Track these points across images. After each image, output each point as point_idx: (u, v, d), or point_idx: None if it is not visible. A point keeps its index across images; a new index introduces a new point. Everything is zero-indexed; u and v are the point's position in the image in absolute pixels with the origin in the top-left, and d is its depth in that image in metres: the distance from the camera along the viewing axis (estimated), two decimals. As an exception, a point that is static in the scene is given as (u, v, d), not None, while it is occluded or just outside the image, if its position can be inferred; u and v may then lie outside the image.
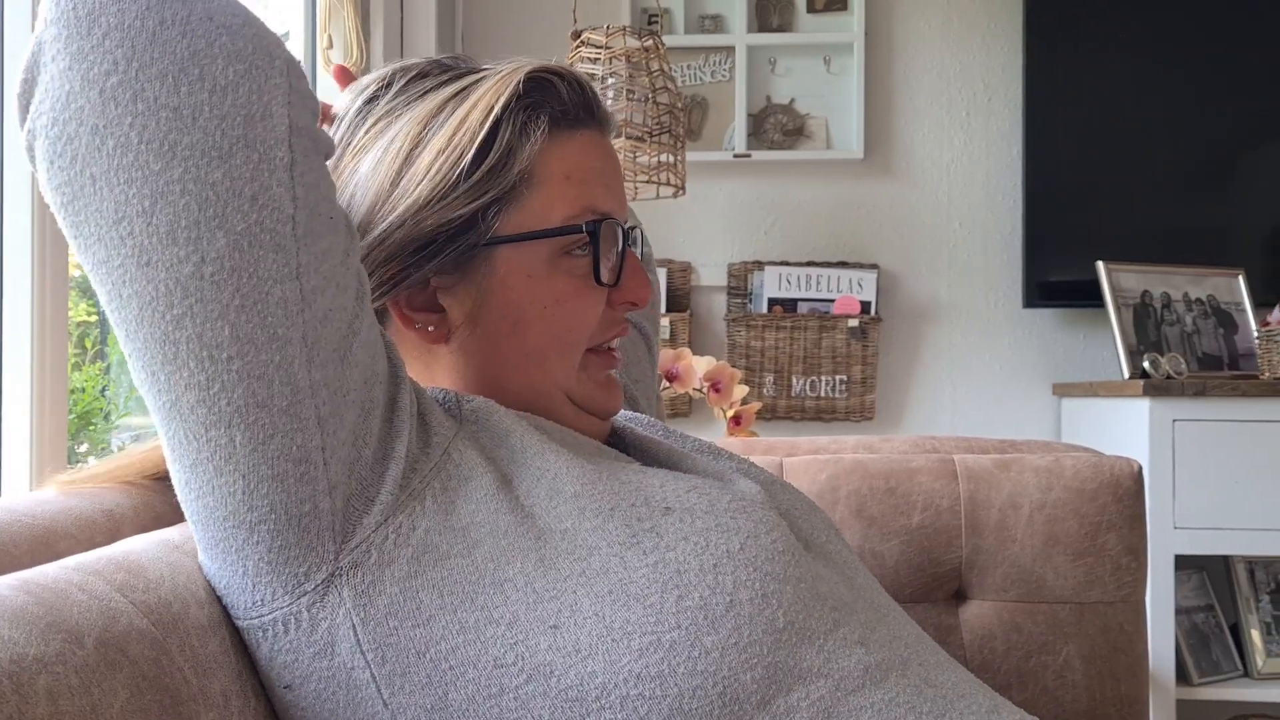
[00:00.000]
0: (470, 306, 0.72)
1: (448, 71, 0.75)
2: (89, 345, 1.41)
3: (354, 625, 0.59)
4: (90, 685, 0.47)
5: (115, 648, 0.50)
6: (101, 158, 0.54)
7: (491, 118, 0.70)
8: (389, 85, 0.75)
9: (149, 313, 0.55)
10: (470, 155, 0.69)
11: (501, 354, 0.73)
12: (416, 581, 0.60)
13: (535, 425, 0.70)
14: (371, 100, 0.75)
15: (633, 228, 0.80)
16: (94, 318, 1.43)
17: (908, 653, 0.65)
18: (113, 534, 0.71)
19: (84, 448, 1.40)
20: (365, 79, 0.77)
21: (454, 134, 0.70)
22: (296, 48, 2.01)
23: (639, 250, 0.85)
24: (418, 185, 0.70)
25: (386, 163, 0.71)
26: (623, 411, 0.87)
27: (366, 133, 0.73)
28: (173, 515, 0.79)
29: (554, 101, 0.72)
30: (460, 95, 0.72)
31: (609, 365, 0.78)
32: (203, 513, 0.59)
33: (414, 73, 0.75)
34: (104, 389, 1.40)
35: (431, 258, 0.70)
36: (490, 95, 0.71)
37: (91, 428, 1.39)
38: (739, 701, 0.59)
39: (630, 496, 0.64)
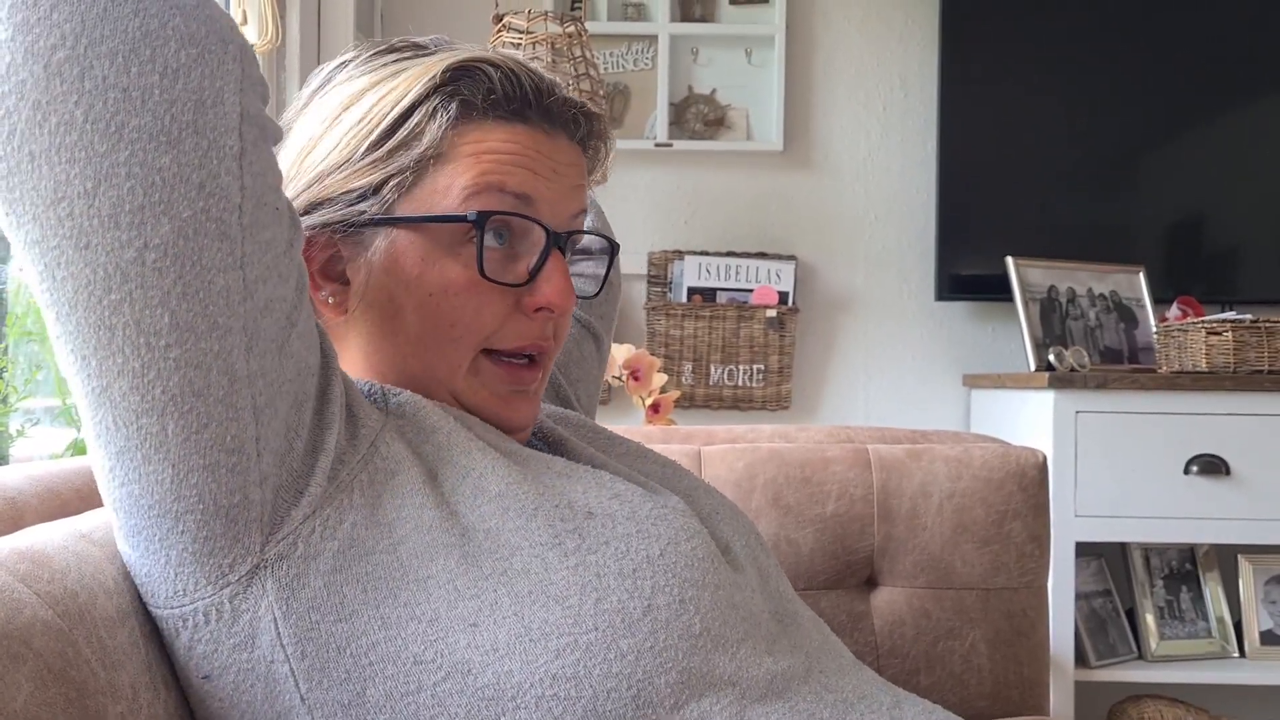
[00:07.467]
0: (362, 282, 0.72)
1: (413, 50, 0.75)
2: (-14, 325, 1.36)
3: (275, 618, 0.58)
4: (-8, 679, 0.46)
5: (19, 640, 0.49)
6: (43, 135, 0.52)
7: (407, 100, 0.70)
8: (351, 60, 0.76)
9: (84, 296, 0.53)
10: (379, 131, 0.70)
11: (382, 336, 0.72)
12: (340, 576, 0.59)
13: (462, 422, 0.69)
14: (339, 67, 0.76)
15: (573, 234, 0.74)
16: (-9, 297, 1.37)
17: (810, 661, 0.67)
18: (14, 523, 0.69)
19: (-20, 431, 1.35)
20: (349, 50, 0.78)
21: (371, 109, 0.71)
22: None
23: (608, 260, 0.81)
24: (328, 153, 0.71)
25: (310, 127, 0.73)
26: (553, 409, 0.86)
27: (315, 98, 0.75)
28: (78, 503, 0.77)
29: (478, 90, 0.71)
30: (392, 75, 0.72)
31: (513, 381, 0.73)
32: (126, 500, 0.57)
33: (380, 48, 0.76)
34: (1, 370, 1.35)
35: (324, 217, 0.71)
36: (412, 79, 0.71)
37: (-11, 411, 1.34)
38: (652, 705, 0.59)
39: (554, 499, 0.64)
